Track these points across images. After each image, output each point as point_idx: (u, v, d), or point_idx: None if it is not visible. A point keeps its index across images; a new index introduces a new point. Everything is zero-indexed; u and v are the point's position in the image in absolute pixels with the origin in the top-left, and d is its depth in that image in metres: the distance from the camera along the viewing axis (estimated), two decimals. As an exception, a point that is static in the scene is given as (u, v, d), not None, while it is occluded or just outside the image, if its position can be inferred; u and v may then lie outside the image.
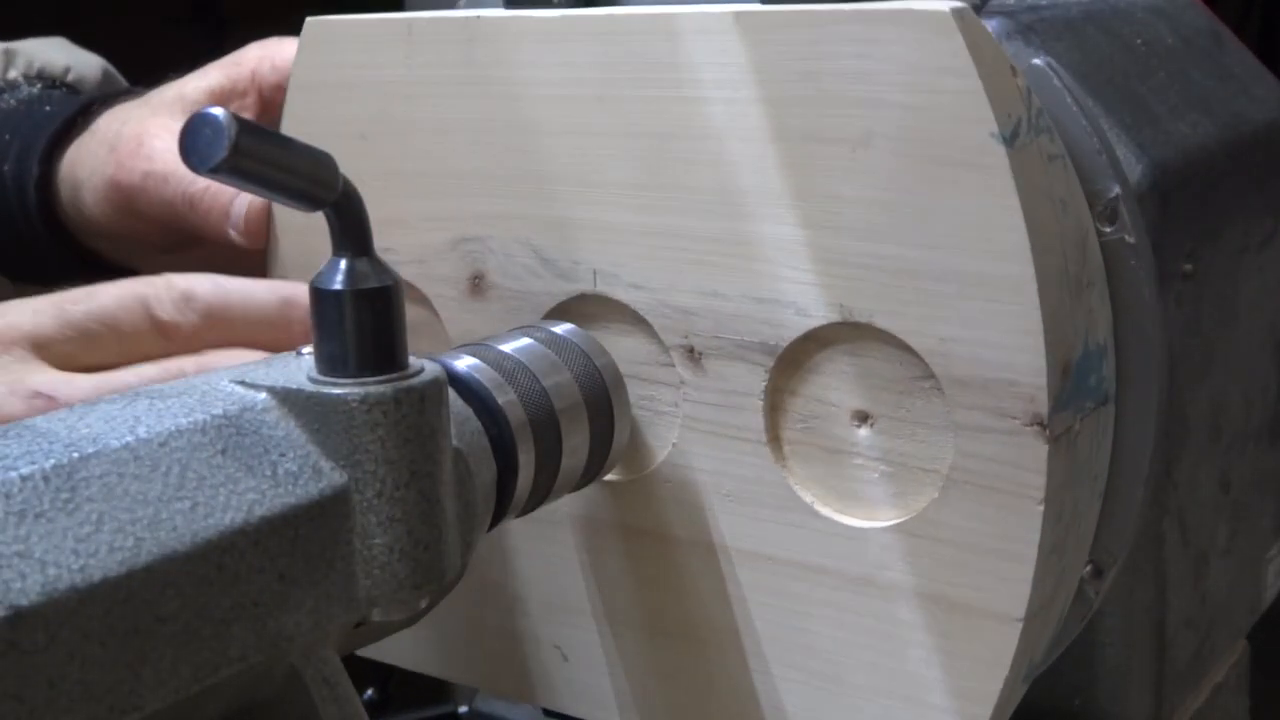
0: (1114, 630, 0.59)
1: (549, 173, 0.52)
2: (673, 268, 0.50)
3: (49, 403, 0.51)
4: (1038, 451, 0.45)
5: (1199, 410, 0.60)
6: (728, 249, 0.49)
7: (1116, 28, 0.63)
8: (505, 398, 0.46)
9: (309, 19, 0.59)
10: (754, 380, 0.50)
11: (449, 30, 0.54)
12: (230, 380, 0.39)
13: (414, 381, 0.38)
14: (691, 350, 0.51)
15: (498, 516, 0.46)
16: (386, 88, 0.56)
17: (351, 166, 0.50)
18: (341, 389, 0.38)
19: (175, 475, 0.35)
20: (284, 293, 0.54)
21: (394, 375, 0.38)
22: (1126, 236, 0.50)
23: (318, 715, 0.38)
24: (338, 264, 0.38)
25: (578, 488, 0.51)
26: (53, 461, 0.34)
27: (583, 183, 0.52)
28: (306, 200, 0.37)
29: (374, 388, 0.38)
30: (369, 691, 0.97)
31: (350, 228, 0.38)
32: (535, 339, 0.50)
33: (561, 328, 0.52)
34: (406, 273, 0.56)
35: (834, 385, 0.49)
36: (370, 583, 0.38)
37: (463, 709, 0.90)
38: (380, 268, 0.39)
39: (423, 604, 0.41)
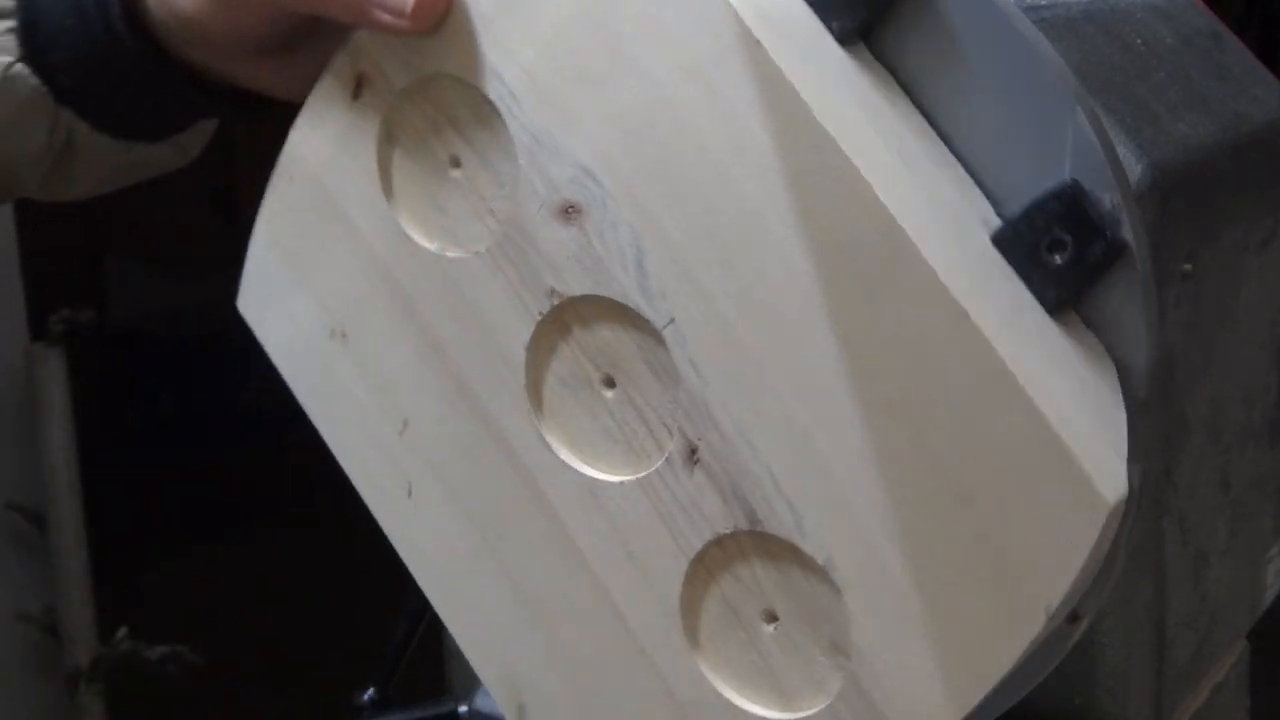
0: (1114, 630, 0.59)
1: (704, 213, 0.49)
2: (737, 392, 0.49)
3: None
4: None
5: (1199, 410, 0.60)
6: (790, 433, 0.48)
7: (1116, 28, 0.63)
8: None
9: None
10: (723, 521, 0.50)
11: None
12: None
13: None
14: (694, 451, 0.50)
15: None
16: None
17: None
18: None
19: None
20: None
21: None
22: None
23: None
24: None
25: None
26: None
27: (726, 256, 0.48)
28: None
29: None
30: (369, 691, 0.97)
31: None
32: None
33: None
34: (519, 136, 0.52)
35: (775, 585, 0.50)
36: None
37: (463, 709, 0.89)
38: None
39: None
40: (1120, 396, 0.47)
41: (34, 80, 0.65)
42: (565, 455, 0.53)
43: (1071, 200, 0.46)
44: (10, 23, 0.65)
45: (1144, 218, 0.50)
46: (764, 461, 0.49)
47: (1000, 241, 0.47)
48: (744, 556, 0.50)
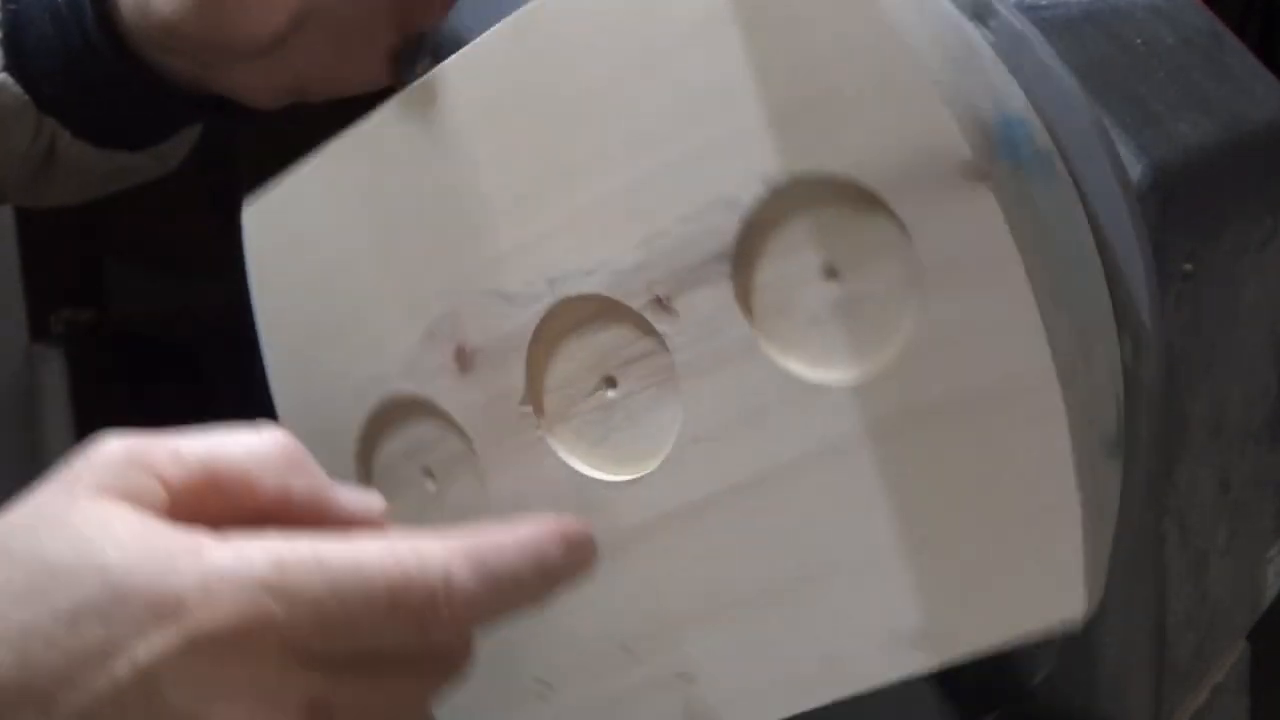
0: (1114, 630, 0.59)
1: (480, 211, 0.52)
2: (610, 234, 0.49)
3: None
4: (986, 203, 0.42)
5: (1199, 410, 0.60)
6: (648, 189, 0.49)
7: (1116, 28, 0.63)
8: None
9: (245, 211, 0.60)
10: (722, 293, 0.48)
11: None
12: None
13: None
14: (659, 300, 0.49)
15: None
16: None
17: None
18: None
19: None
20: (540, 553, 0.40)
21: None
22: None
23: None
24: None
25: None
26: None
27: (507, 203, 0.52)
28: None
29: None
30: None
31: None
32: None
33: None
34: (403, 387, 0.56)
35: (791, 254, 0.47)
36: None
37: (463, 709, 0.89)
38: None
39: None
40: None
41: (16, 89, 0.65)
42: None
43: None
44: None
45: (1144, 217, 0.50)
46: (675, 222, 0.49)
47: None
48: (758, 285, 0.49)
